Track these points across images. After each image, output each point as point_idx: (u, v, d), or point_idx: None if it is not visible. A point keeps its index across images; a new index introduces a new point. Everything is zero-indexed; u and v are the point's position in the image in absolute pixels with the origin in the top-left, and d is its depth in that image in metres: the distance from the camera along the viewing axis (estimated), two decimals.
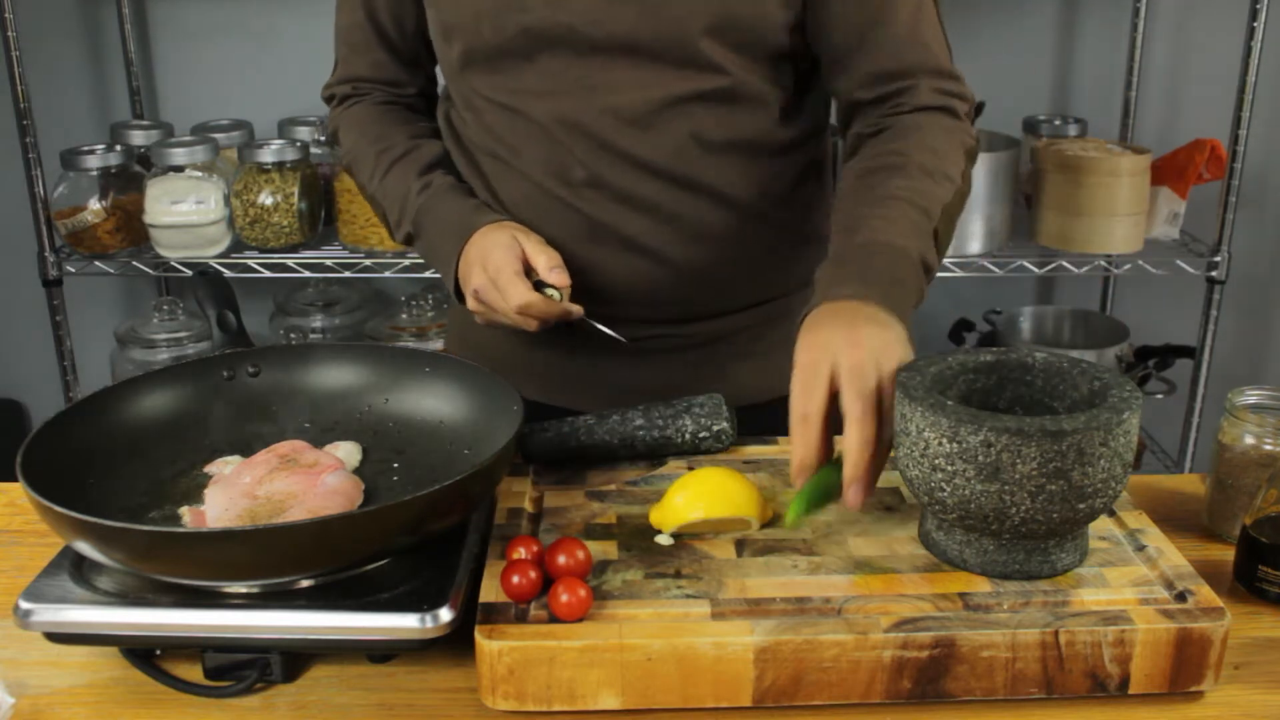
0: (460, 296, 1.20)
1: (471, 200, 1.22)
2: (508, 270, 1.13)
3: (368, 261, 2.17)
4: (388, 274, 2.20)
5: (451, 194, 1.22)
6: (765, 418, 1.18)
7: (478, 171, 1.24)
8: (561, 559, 0.90)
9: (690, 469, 1.10)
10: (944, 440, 0.88)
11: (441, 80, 1.30)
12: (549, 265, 1.14)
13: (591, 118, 1.15)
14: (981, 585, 0.92)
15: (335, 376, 1.14)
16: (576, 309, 1.15)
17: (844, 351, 0.95)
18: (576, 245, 1.18)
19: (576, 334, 1.19)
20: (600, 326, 1.17)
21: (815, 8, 1.14)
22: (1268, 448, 1.05)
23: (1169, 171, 2.22)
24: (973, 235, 2.19)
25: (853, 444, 0.93)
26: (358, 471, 1.05)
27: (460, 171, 1.26)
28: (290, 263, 2.17)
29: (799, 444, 0.95)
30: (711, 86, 1.14)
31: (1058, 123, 2.35)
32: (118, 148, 2.17)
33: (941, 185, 1.12)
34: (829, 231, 1.13)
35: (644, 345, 1.22)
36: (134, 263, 2.19)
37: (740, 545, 0.97)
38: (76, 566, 0.92)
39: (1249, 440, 1.06)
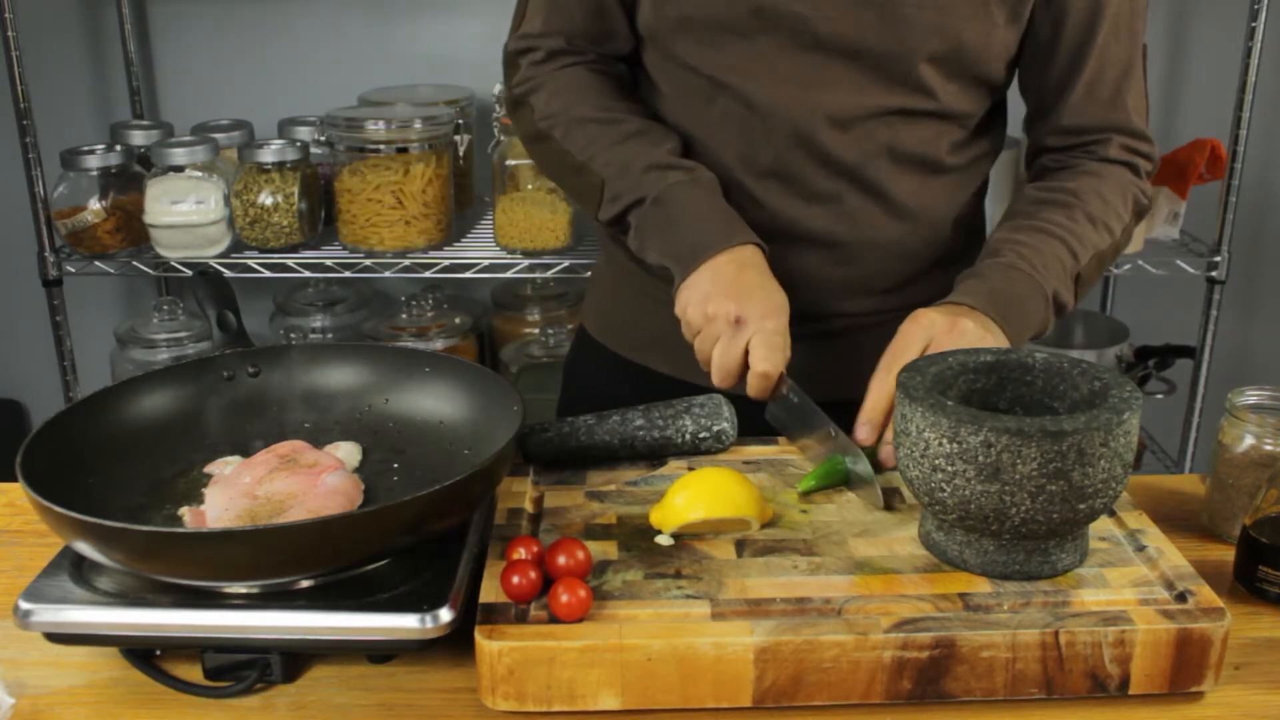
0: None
1: (734, 210, 1.16)
2: (780, 339, 1.07)
3: (368, 261, 2.17)
4: (388, 274, 2.20)
5: (714, 191, 1.17)
6: None
7: None
8: (561, 559, 0.90)
9: (690, 469, 1.10)
10: (944, 440, 0.88)
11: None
12: (789, 349, 1.10)
13: (799, 111, 1.15)
14: (981, 585, 0.92)
15: (335, 376, 1.14)
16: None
17: (943, 332, 1.06)
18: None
19: None
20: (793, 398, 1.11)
21: (1034, 48, 1.18)
22: (1268, 448, 1.05)
23: (1169, 171, 2.22)
24: None
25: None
26: (358, 471, 1.05)
27: None
28: (290, 263, 2.17)
29: (873, 392, 1.05)
30: (919, 106, 1.16)
31: None
32: (118, 148, 2.17)
33: (1100, 233, 1.18)
34: (969, 244, 1.21)
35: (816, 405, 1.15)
36: (134, 263, 2.19)
37: (740, 545, 0.97)
38: (76, 566, 0.92)
39: (1249, 440, 1.06)
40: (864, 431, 1.05)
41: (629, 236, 1.19)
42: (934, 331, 1.06)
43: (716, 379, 1.09)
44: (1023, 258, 1.13)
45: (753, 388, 1.08)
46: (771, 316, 1.07)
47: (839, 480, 1.06)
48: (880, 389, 1.05)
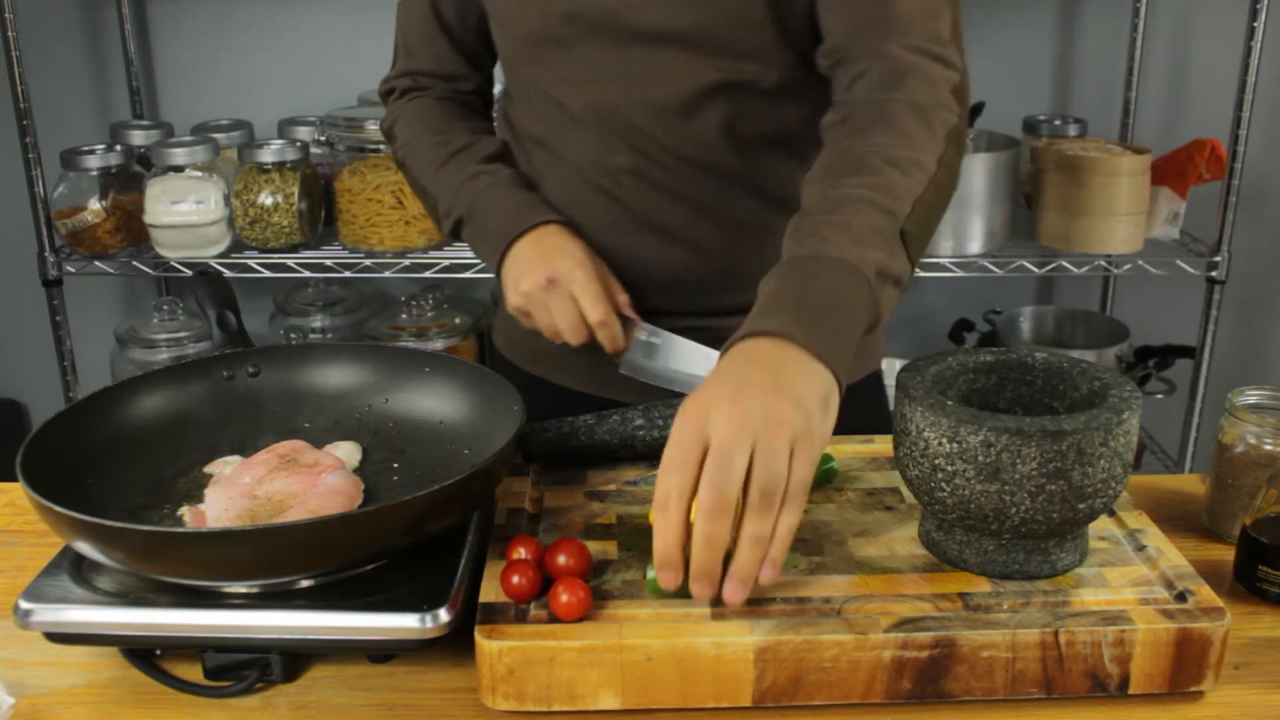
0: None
1: (533, 195, 1.21)
2: (596, 285, 1.12)
3: (368, 261, 2.17)
4: (388, 274, 2.20)
5: (512, 185, 1.22)
6: None
7: (528, 163, 1.25)
8: (561, 559, 0.90)
9: None
10: (944, 440, 0.88)
11: (499, 79, 1.31)
12: (628, 301, 1.16)
13: (630, 107, 1.15)
14: (981, 585, 0.92)
15: (335, 376, 1.14)
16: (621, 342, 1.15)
17: (721, 423, 0.82)
18: (617, 236, 1.19)
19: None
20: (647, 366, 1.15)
21: None
22: (1268, 448, 1.05)
23: (1169, 171, 2.22)
24: (973, 235, 2.19)
25: (696, 540, 0.81)
26: (358, 471, 1.05)
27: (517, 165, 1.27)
28: (290, 263, 2.17)
29: (657, 535, 0.83)
30: (747, 77, 1.13)
31: (1058, 123, 2.35)
32: (118, 148, 2.17)
33: (912, 176, 0.99)
34: None
35: (684, 338, 1.18)
36: (134, 263, 2.19)
37: None
38: (76, 566, 0.92)
39: (1249, 440, 1.06)
40: (696, 589, 0.84)
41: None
42: (711, 421, 0.83)
43: (569, 339, 1.13)
44: (828, 240, 0.93)
45: (602, 339, 1.13)
46: (578, 267, 1.12)
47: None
48: (665, 531, 0.82)
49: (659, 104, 1.14)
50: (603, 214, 1.19)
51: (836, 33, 1.07)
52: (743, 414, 0.82)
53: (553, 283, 1.12)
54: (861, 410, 1.13)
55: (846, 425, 0.98)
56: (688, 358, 1.14)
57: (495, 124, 1.34)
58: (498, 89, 1.34)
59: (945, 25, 1.06)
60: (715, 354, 0.93)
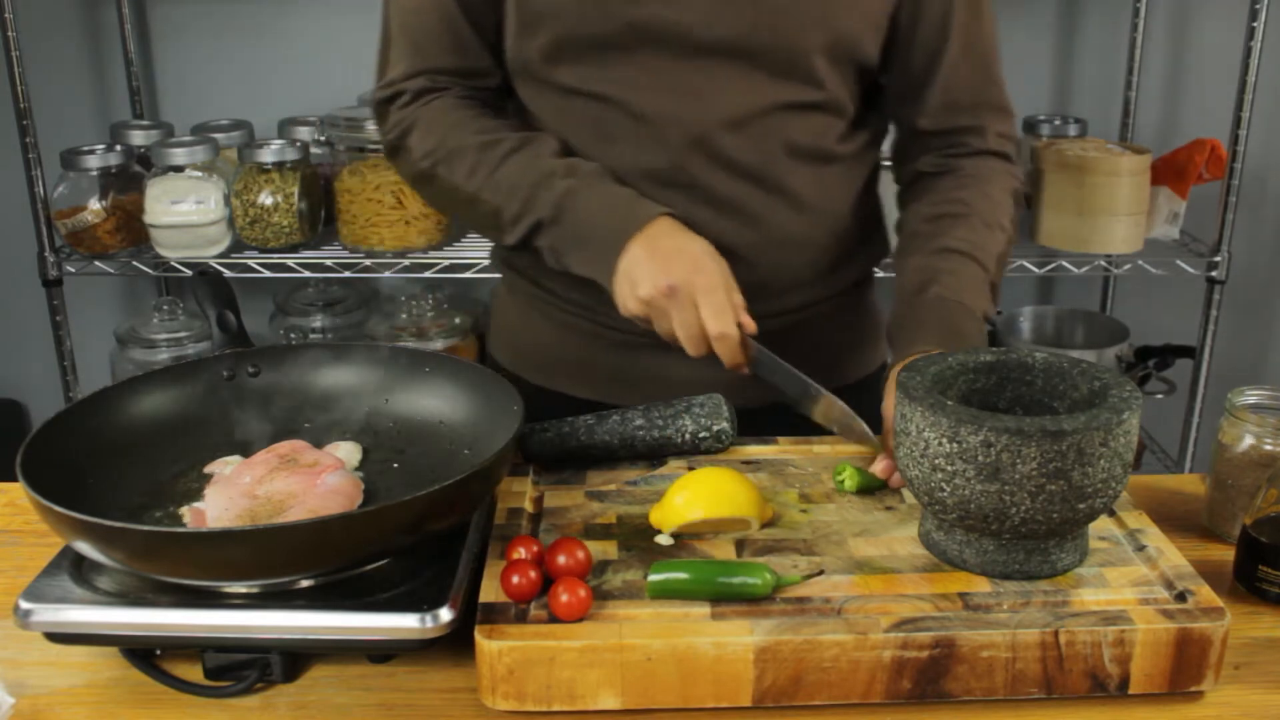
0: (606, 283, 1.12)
1: (628, 189, 1.14)
2: (722, 294, 1.07)
3: (368, 261, 2.17)
4: (388, 274, 2.20)
5: (603, 180, 1.14)
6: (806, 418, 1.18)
7: None
8: (561, 559, 0.90)
9: (690, 469, 1.10)
10: (944, 440, 0.88)
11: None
12: (743, 304, 1.10)
13: (691, 117, 1.14)
14: (981, 585, 0.92)
15: (335, 376, 1.14)
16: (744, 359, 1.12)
17: None
18: None
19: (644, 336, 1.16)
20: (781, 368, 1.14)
21: (903, 28, 1.19)
22: (1268, 448, 1.05)
23: (1169, 171, 2.22)
24: None
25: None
26: (358, 471, 1.05)
27: None
28: (290, 263, 2.17)
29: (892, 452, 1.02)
30: (809, 99, 1.16)
31: (1058, 123, 2.35)
32: (118, 148, 2.17)
33: (996, 236, 1.21)
34: (880, 236, 1.23)
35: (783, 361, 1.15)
36: (134, 263, 2.19)
37: (740, 545, 0.97)
38: (76, 566, 0.92)
39: (1249, 440, 1.06)
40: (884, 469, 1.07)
41: (545, 258, 1.16)
42: None
43: (689, 349, 1.09)
44: (948, 288, 1.15)
45: (721, 355, 1.09)
46: (700, 273, 1.07)
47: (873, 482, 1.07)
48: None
49: (721, 117, 1.14)
50: None
51: (939, 100, 1.22)
52: None
53: (674, 290, 1.06)
54: (866, 407, 1.14)
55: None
56: (791, 380, 1.13)
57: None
58: None
59: (1005, 90, 1.26)
60: (809, 382, 1.12)
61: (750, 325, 1.09)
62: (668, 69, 1.13)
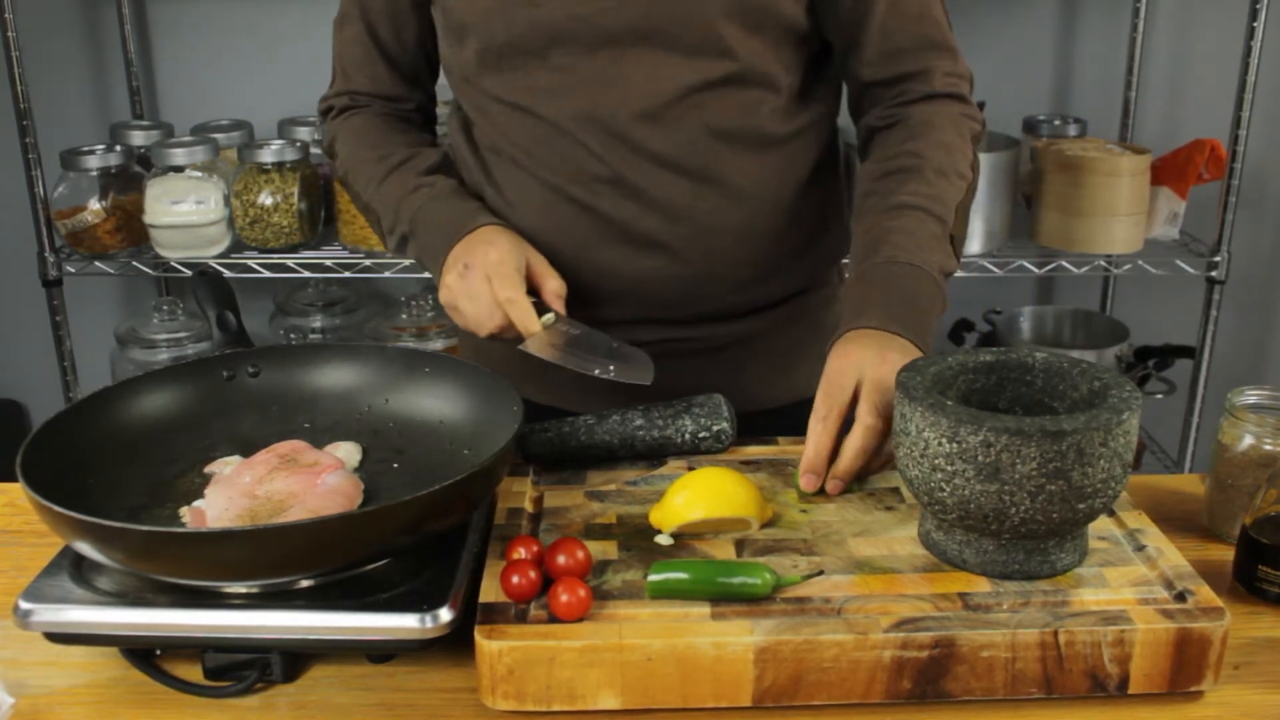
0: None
1: (473, 203, 1.21)
2: (509, 265, 1.11)
3: (368, 261, 2.17)
4: (388, 274, 2.20)
5: (453, 195, 1.21)
6: (781, 422, 1.17)
7: (490, 179, 1.22)
8: (561, 559, 0.90)
9: (690, 469, 1.10)
10: (944, 440, 0.88)
11: (447, 94, 1.28)
12: (558, 292, 1.13)
13: (605, 113, 1.14)
14: (981, 585, 0.92)
15: (335, 376, 1.14)
16: (538, 329, 1.12)
17: (871, 365, 1.03)
18: (591, 246, 1.18)
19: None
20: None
21: None
22: (1268, 448, 1.05)
23: (1169, 171, 2.22)
24: (973, 235, 2.19)
25: (850, 447, 1.03)
26: (358, 471, 1.05)
27: (473, 179, 1.24)
28: (290, 263, 2.17)
29: (810, 444, 1.04)
30: (723, 73, 1.13)
31: (1058, 123, 2.35)
32: (118, 148, 2.17)
33: (954, 184, 1.15)
34: (842, 227, 1.16)
35: (657, 350, 1.16)
36: (134, 263, 2.19)
37: (740, 545, 0.97)
38: (76, 566, 0.92)
39: (1249, 440, 1.06)
40: (808, 481, 1.04)
41: None
42: (864, 367, 1.03)
43: (478, 329, 1.13)
44: (900, 248, 1.10)
45: (512, 317, 1.11)
46: (493, 250, 1.12)
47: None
48: (820, 437, 1.03)
49: (635, 107, 1.13)
50: (576, 225, 1.18)
51: (878, 47, 1.17)
52: (886, 360, 1.03)
53: (468, 268, 1.12)
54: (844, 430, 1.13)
55: (846, 421, 1.06)
56: (598, 347, 1.11)
57: (445, 138, 1.31)
58: (444, 105, 1.32)
59: (949, 29, 1.18)
60: (628, 348, 1.10)
61: (552, 296, 1.12)
62: (580, 65, 1.13)
